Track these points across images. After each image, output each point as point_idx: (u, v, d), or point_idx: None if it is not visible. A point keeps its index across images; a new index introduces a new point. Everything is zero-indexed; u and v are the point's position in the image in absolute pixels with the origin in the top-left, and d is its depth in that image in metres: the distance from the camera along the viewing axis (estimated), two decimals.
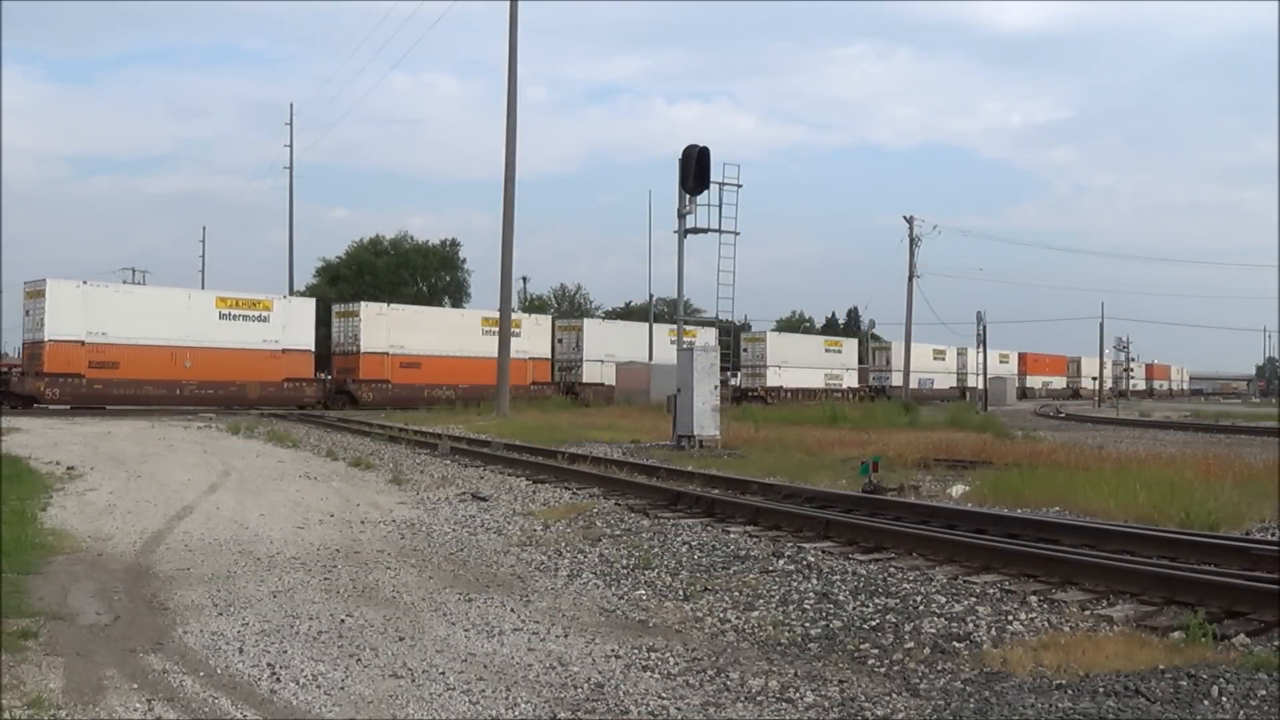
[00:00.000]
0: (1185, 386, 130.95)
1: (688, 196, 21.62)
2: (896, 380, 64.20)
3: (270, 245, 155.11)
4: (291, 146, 58.84)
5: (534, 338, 45.92)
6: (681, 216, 21.90)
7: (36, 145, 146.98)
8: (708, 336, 51.55)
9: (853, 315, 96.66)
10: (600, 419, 29.84)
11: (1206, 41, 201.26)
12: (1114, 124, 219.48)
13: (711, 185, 21.60)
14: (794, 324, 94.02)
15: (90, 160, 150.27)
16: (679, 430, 20.52)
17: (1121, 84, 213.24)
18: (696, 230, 21.93)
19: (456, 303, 70.09)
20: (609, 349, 48.98)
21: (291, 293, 55.97)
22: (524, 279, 78.99)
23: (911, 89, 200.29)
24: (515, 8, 33.60)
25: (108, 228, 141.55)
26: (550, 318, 49.19)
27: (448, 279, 73.46)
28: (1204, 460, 15.33)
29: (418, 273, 72.16)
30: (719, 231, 21.93)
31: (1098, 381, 79.26)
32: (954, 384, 73.41)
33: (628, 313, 74.62)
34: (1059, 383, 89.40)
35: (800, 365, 60.73)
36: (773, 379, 57.89)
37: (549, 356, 47.62)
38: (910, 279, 55.59)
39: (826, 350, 66.06)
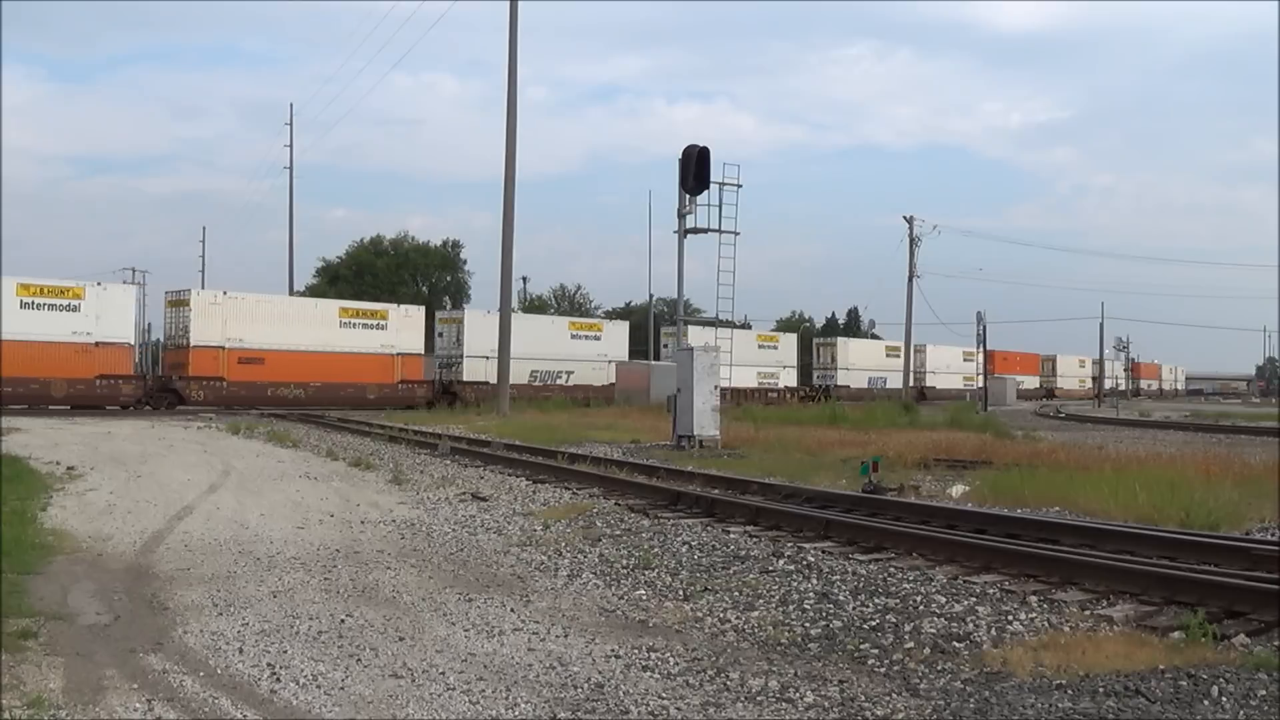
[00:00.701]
0: (1179, 386, 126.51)
1: (688, 196, 21.61)
2: (843, 379, 62.86)
3: (270, 245, 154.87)
4: (291, 146, 58.92)
5: (404, 331, 41.86)
6: (681, 216, 21.90)
7: (36, 145, 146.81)
8: (619, 332, 51.37)
9: (853, 315, 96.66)
10: (600, 419, 29.85)
11: (1206, 41, 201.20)
12: (1114, 124, 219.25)
13: (711, 185, 21.60)
14: (794, 324, 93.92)
15: (90, 160, 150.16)
16: (679, 430, 20.52)
17: (1121, 84, 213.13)
18: (696, 230, 21.93)
19: (457, 303, 70.13)
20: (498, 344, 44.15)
21: (291, 293, 56.02)
22: (524, 279, 79.03)
23: (911, 89, 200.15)
24: (515, 8, 33.62)
25: (108, 228, 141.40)
26: (423, 309, 45.31)
27: (448, 279, 73.52)
28: (1204, 460, 15.33)
29: (418, 273, 72.23)
30: (719, 231, 21.94)
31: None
32: (912, 384, 67.16)
33: (628, 312, 74.57)
34: (1031, 382, 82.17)
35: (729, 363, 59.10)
36: None
37: (422, 352, 43.96)
38: (910, 279, 55.70)
39: (760, 346, 62.49)
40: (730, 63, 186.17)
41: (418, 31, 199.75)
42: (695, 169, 21.12)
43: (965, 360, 73.60)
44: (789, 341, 65.13)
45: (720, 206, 21.86)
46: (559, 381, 47.32)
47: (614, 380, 46.42)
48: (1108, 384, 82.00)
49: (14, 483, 12.14)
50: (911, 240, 55.71)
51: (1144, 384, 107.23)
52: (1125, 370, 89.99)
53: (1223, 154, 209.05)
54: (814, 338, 73.03)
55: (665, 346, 53.14)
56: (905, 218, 56.05)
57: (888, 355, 67.95)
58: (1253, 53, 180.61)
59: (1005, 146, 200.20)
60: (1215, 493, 11.00)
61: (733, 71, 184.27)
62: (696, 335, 57.59)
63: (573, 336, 49.48)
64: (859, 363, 65.52)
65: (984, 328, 53.01)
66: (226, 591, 7.24)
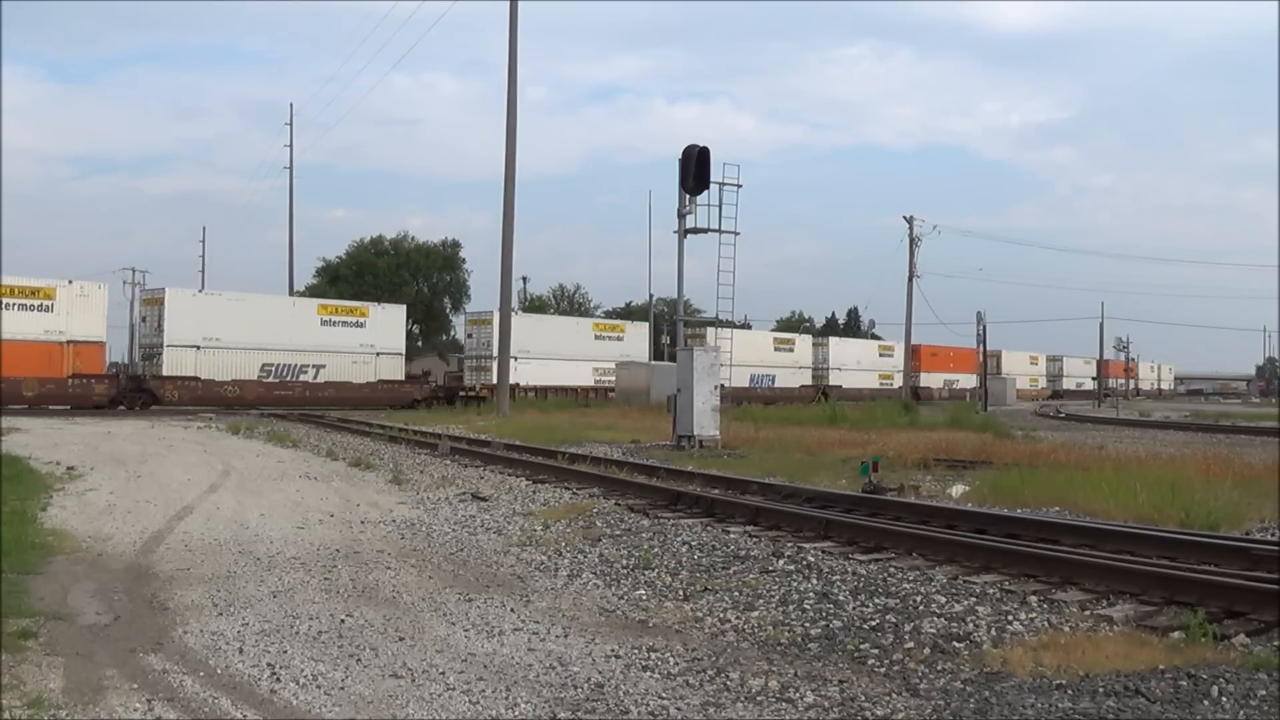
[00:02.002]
0: (1165, 386, 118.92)
1: (687, 196, 21.59)
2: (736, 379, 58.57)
3: (270, 245, 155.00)
4: (291, 146, 58.89)
5: (76, 314, 35.41)
6: (681, 216, 21.89)
7: (37, 145, 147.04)
8: (639, 333, 51.23)
9: (853, 315, 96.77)
10: (600, 419, 29.85)
11: (1206, 41, 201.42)
12: (1114, 124, 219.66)
13: (711, 185, 21.57)
14: (794, 324, 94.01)
15: (90, 160, 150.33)
16: (679, 430, 20.52)
17: (1121, 84, 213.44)
18: (696, 230, 21.92)
19: (457, 304, 70.20)
20: (215, 330, 37.20)
21: (292, 293, 56.00)
22: (524, 279, 79.07)
23: (911, 89, 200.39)
24: (515, 8, 33.62)
25: (108, 228, 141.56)
26: (403, 308, 44.26)
27: (448, 279, 73.48)
28: (1204, 460, 15.33)
29: (419, 273, 72.19)
30: (719, 231, 21.91)
31: (1098, 381, 78.20)
32: (808, 381, 60.01)
33: (628, 312, 74.56)
34: (968, 381, 68.86)
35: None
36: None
37: (402, 351, 43.13)
38: (910, 279, 55.63)
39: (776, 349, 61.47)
40: (730, 63, 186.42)
41: (418, 31, 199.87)
42: (695, 169, 21.11)
43: (881, 355, 68.51)
44: (805, 342, 65.12)
45: (720, 206, 21.84)
46: (579, 384, 48.07)
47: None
48: (1069, 385, 79.34)
49: (14, 483, 12.14)
50: (911, 240, 55.70)
51: (1114, 383, 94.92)
52: (1129, 367, 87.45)
53: (1222, 154, 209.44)
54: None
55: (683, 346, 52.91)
56: (905, 218, 56.00)
57: (777, 349, 60.33)
58: (1253, 53, 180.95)
59: (1005, 146, 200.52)
60: (1215, 493, 11.00)
61: (733, 71, 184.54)
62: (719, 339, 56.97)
63: (596, 338, 49.93)
64: (741, 355, 59.21)
65: (984, 328, 52.99)
66: (226, 591, 7.24)
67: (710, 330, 54.57)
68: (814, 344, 64.53)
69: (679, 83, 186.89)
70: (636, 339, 50.55)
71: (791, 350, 61.26)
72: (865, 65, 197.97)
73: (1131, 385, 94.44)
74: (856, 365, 66.21)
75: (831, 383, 60.84)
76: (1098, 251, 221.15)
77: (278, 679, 5.23)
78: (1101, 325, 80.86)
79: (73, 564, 8.11)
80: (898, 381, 63.04)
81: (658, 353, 55.41)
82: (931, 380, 69.94)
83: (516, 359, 42.44)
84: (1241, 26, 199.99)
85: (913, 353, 63.49)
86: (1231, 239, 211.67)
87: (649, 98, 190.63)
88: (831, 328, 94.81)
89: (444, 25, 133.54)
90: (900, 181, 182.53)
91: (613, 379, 47.39)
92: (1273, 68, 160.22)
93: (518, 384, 41.31)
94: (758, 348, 56.99)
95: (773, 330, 74.23)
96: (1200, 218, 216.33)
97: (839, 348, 66.07)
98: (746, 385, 52.59)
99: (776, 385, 57.42)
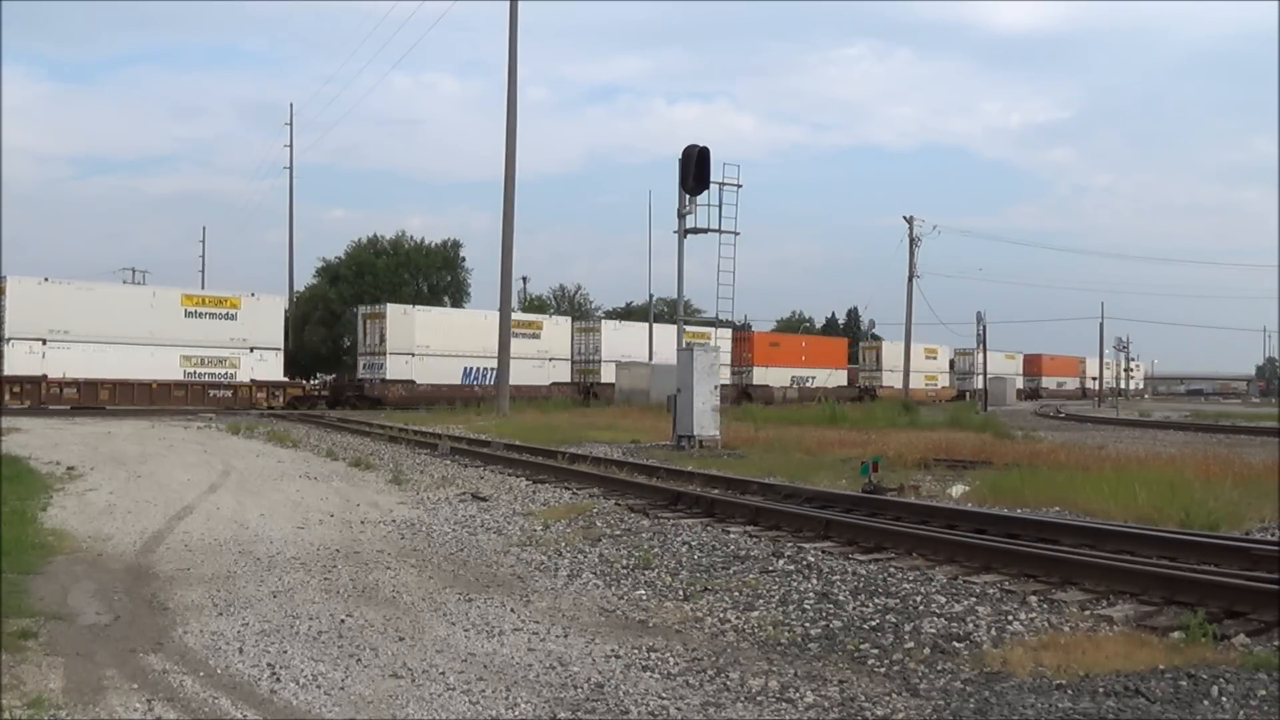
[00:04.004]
0: (1124, 385, 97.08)
1: (688, 196, 21.60)
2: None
3: (270, 245, 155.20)
4: (291, 146, 59.08)
5: (260, 322, 37.38)
6: (681, 216, 21.89)
7: (36, 145, 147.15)
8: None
9: (853, 315, 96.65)
10: (600, 419, 29.84)
11: (1206, 42, 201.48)
12: (1113, 124, 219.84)
13: (711, 185, 21.58)
14: (794, 324, 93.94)
15: (90, 160, 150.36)
16: (679, 430, 20.52)
17: (1121, 84, 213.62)
18: (696, 230, 21.92)
19: (457, 303, 70.14)
20: (64, 323, 33.63)
21: (291, 293, 56.01)
22: (524, 279, 79.01)
23: (911, 89, 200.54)
24: (515, 8, 33.63)
25: (108, 228, 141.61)
26: (280, 298, 42.01)
27: (448, 279, 73.46)
28: (1204, 460, 15.33)
29: (419, 273, 72.17)
30: (719, 231, 21.93)
31: (1099, 381, 77.32)
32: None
33: (628, 313, 74.52)
34: (829, 377, 60.94)
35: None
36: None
37: (280, 346, 39.73)
38: (910, 279, 55.64)
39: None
40: (730, 63, 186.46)
41: (417, 32, 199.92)
42: (695, 169, 21.11)
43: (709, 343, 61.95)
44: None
45: (720, 206, 21.85)
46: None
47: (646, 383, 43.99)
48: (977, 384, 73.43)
49: (14, 483, 12.14)
50: (911, 240, 55.70)
51: (1052, 383, 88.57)
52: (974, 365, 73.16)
53: (1222, 154, 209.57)
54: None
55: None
56: (905, 218, 55.99)
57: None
58: (1253, 53, 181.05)
59: (1005, 146, 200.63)
60: (1215, 493, 11.00)
61: (733, 71, 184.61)
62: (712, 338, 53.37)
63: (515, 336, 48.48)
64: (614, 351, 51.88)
65: (984, 328, 53.02)
66: (226, 591, 7.24)
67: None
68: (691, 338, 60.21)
69: (679, 83, 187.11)
70: (557, 334, 47.80)
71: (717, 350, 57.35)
72: (865, 65, 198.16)
73: (1064, 384, 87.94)
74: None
75: (737, 383, 52.80)
76: (1097, 251, 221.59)
77: (278, 679, 5.23)
78: (1101, 325, 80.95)
79: (73, 564, 8.11)
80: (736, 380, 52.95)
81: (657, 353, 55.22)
82: (773, 376, 56.42)
83: (415, 355, 40.91)
84: (1241, 26, 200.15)
85: (743, 342, 54.87)
86: (1231, 239, 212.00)
87: (649, 98, 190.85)
88: (832, 328, 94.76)
89: (444, 25, 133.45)
90: (900, 181, 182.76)
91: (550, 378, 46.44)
92: (1273, 68, 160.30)
93: (413, 381, 40.70)
94: (632, 343, 51.53)
95: (773, 330, 74.30)
96: (1200, 218, 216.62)
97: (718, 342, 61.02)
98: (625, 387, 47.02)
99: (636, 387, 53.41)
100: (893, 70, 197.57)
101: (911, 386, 62.64)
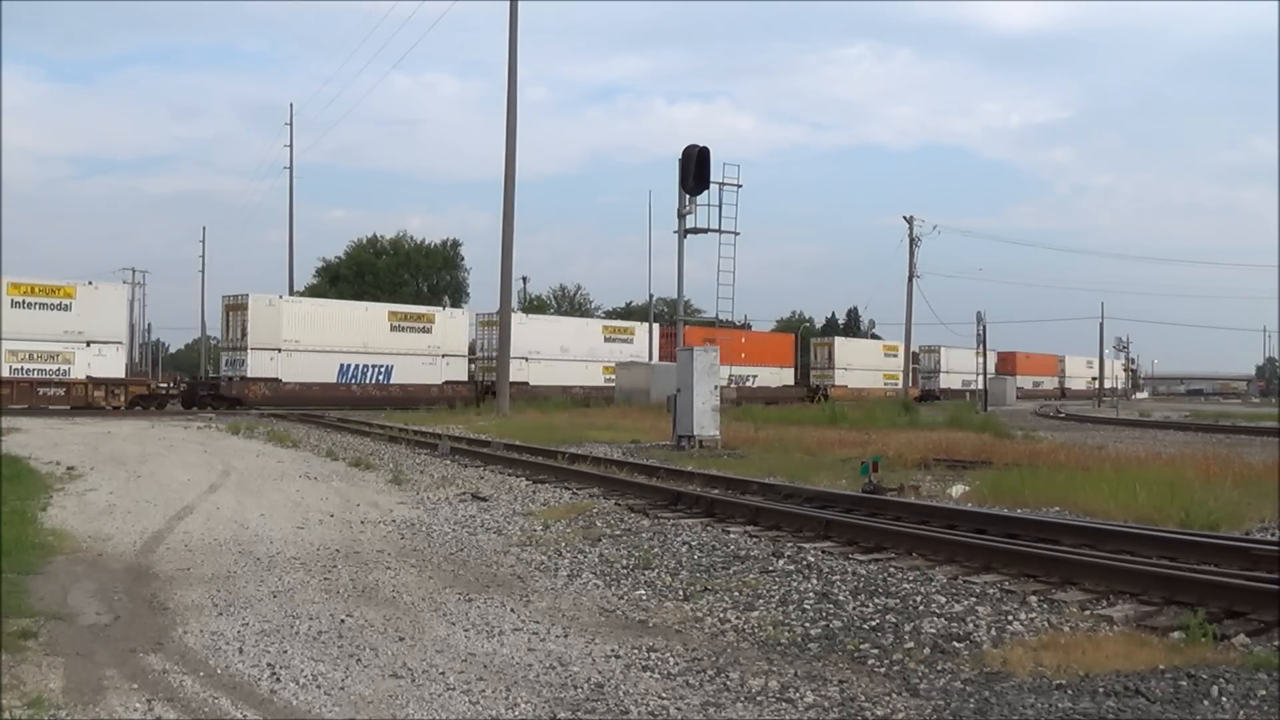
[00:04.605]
0: (1095, 384, 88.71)
1: (687, 196, 21.61)
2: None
3: (270, 245, 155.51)
4: (291, 147, 58.85)
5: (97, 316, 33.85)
6: (681, 216, 21.90)
7: (37, 145, 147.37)
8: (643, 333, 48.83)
9: (853, 315, 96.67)
10: (600, 419, 29.84)
11: (1206, 41, 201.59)
12: (1113, 124, 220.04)
13: (711, 185, 21.60)
14: (794, 324, 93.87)
15: (90, 160, 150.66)
16: (679, 430, 20.51)
17: (1120, 84, 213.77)
18: (696, 230, 21.93)
19: (456, 303, 70.18)
20: None
21: (291, 293, 55.98)
22: (524, 279, 78.99)
23: (911, 89, 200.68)
24: (515, 8, 33.63)
25: (108, 228, 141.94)
26: (123, 288, 38.50)
27: (448, 279, 73.52)
28: (1204, 460, 15.32)
29: (419, 273, 72.24)
30: (719, 231, 21.93)
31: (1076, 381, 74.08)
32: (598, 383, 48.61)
33: (628, 313, 74.54)
34: (745, 373, 54.27)
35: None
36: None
37: (123, 340, 36.78)
38: (910, 279, 55.66)
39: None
40: (730, 63, 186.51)
41: (417, 32, 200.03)
42: (695, 169, 21.11)
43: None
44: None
45: (720, 206, 21.87)
46: (748, 384, 47.29)
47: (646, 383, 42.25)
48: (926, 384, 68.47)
49: (14, 483, 12.13)
50: (911, 240, 55.71)
51: (1017, 382, 76.24)
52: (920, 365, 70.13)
53: (1222, 154, 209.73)
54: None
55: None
56: (905, 218, 55.99)
57: (609, 338, 50.84)
58: (1253, 53, 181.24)
59: (1005, 146, 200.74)
60: (1215, 493, 11.00)
61: (733, 71, 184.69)
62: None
63: (607, 339, 48.43)
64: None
65: (984, 328, 53.02)
66: (226, 591, 7.24)
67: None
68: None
69: (679, 83, 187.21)
70: (452, 328, 43.91)
71: (630, 342, 51.10)
72: (865, 65, 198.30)
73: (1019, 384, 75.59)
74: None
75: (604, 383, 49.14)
76: (1098, 251, 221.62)
77: (278, 679, 5.23)
78: (1101, 325, 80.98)
79: (73, 564, 8.11)
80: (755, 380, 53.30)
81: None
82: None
83: (257, 351, 37.30)
84: (1241, 26, 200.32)
85: (671, 338, 47.25)
86: (1231, 239, 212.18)
87: (649, 98, 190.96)
88: (832, 328, 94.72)
89: (444, 25, 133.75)
90: (900, 181, 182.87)
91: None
92: (1273, 68, 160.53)
93: (275, 378, 37.81)
94: (586, 337, 49.65)
95: (773, 330, 74.15)
96: (1200, 218, 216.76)
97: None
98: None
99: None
100: (893, 70, 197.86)
101: (867, 386, 60.55)
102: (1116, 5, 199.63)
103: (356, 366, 40.50)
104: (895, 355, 67.94)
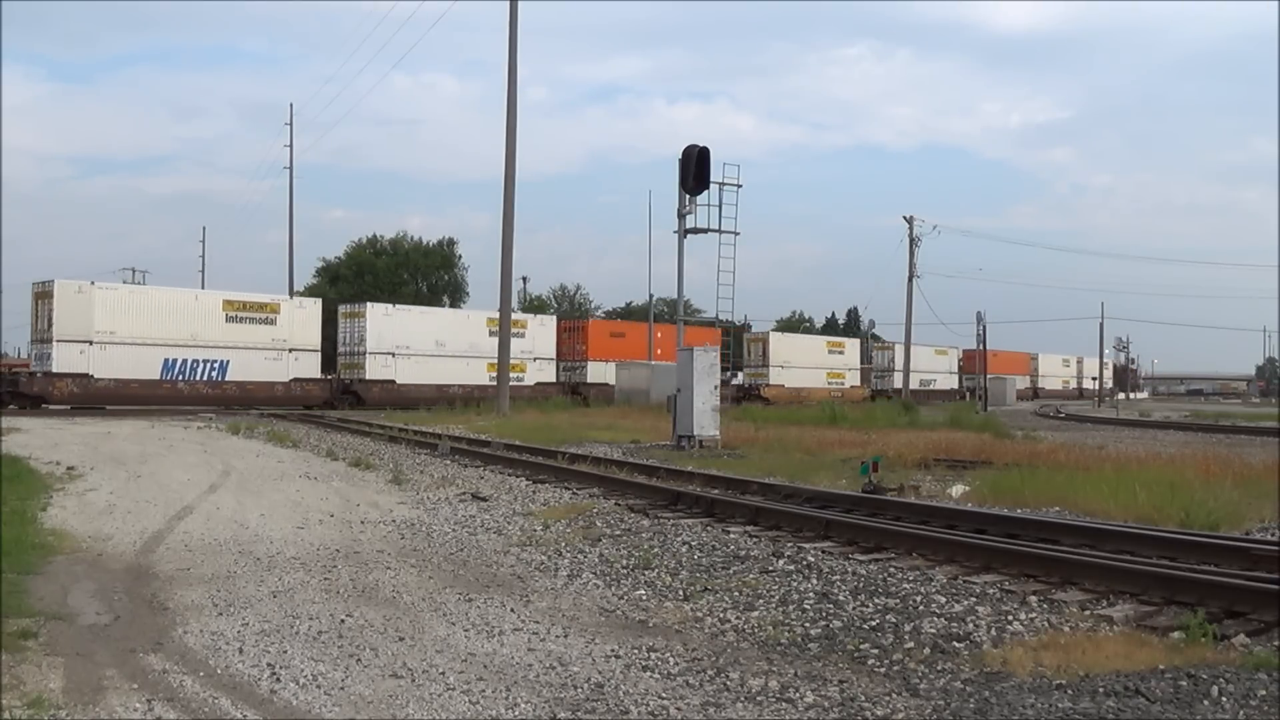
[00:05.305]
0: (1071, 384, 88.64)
1: (687, 196, 21.62)
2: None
3: (270, 245, 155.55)
4: (291, 147, 58.76)
5: None
6: (681, 216, 21.91)
7: (37, 145, 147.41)
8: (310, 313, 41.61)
9: (853, 315, 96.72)
10: (600, 419, 29.84)
11: (1206, 41, 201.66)
12: (1113, 124, 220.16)
13: (711, 185, 21.61)
14: (793, 324, 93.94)
15: (91, 161, 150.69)
16: (679, 430, 20.52)
17: (1120, 84, 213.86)
18: (696, 230, 21.94)
19: (455, 302, 70.22)
20: None
21: (292, 293, 56.00)
22: (524, 279, 79.02)
23: (911, 89, 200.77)
24: (515, 8, 33.61)
25: (108, 228, 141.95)
26: None
27: (446, 278, 73.53)
28: (1204, 460, 15.32)
29: (418, 272, 72.24)
30: (719, 231, 21.95)
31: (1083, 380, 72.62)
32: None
33: (628, 313, 74.54)
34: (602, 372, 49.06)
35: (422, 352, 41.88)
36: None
37: None
38: (910, 279, 55.63)
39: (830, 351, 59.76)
40: (730, 63, 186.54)
41: (417, 32, 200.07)
42: (695, 169, 21.12)
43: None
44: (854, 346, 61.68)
45: (720, 206, 21.88)
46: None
47: (646, 383, 40.65)
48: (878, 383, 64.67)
49: (14, 483, 12.13)
50: (911, 240, 55.70)
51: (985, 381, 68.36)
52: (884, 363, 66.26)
53: (1222, 154, 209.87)
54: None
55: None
56: (905, 218, 55.94)
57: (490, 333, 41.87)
58: (1253, 53, 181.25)
59: (1004, 147, 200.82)
60: (1215, 493, 11.00)
61: (733, 71, 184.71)
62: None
63: (493, 333, 39.77)
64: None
65: (984, 328, 53.04)
66: (226, 591, 7.23)
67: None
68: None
69: (679, 83, 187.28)
70: (300, 319, 39.35)
71: (521, 336, 45.56)
72: (865, 65, 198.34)
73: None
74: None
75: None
76: (1097, 251, 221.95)
77: (278, 679, 5.23)
78: (1101, 325, 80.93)
79: (73, 564, 8.11)
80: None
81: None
82: (614, 373, 46.25)
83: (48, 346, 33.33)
84: (1241, 26, 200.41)
85: (574, 332, 48.11)
86: (1231, 239, 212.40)
87: (649, 98, 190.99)
88: (832, 327, 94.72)
89: (444, 25, 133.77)
90: (900, 181, 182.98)
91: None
92: (1273, 68, 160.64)
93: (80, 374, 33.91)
94: (467, 331, 44.12)
95: (773, 329, 74.04)
96: (1200, 218, 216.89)
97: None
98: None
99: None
100: (893, 70, 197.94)
101: (808, 385, 56.63)
102: (1116, 5, 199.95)
103: (185, 361, 35.84)
104: (841, 352, 64.67)
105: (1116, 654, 5.54)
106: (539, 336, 46.20)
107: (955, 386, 72.36)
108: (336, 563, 8.41)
